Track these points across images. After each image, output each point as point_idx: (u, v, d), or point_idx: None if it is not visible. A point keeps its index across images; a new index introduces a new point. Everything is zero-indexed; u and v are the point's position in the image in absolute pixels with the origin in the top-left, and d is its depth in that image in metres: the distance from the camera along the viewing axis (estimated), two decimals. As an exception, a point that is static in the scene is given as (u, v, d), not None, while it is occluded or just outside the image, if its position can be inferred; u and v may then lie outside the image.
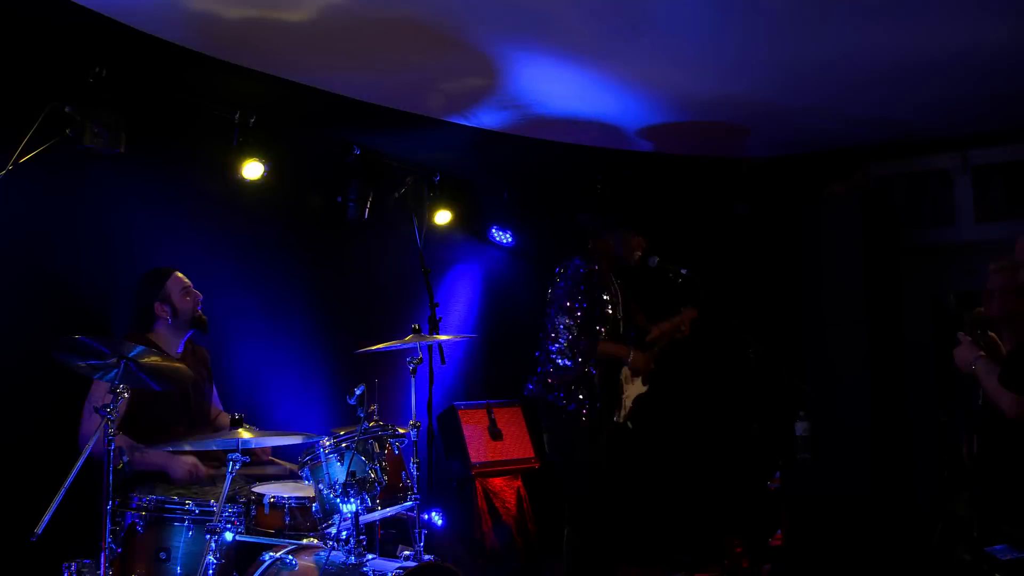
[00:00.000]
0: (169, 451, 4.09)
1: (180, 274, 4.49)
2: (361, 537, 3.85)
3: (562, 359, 5.11)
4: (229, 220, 5.39)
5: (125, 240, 4.84)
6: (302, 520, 4.02)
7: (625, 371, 5.28)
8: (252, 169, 5.17)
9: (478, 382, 6.98)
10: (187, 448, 4.10)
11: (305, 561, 3.96)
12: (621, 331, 5.35)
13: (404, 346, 4.55)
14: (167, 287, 4.42)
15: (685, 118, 5.88)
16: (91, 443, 3.45)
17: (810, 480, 5.76)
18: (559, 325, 5.14)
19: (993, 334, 4.35)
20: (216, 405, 4.73)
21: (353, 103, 5.29)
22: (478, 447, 6.39)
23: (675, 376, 5.81)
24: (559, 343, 5.13)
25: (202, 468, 4.19)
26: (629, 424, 5.31)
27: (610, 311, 5.26)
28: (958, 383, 4.48)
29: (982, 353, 4.07)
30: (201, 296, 4.51)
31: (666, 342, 5.42)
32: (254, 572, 3.95)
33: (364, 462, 3.99)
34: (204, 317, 4.51)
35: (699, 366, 6.70)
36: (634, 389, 5.34)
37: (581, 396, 5.10)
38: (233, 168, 5.15)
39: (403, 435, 4.24)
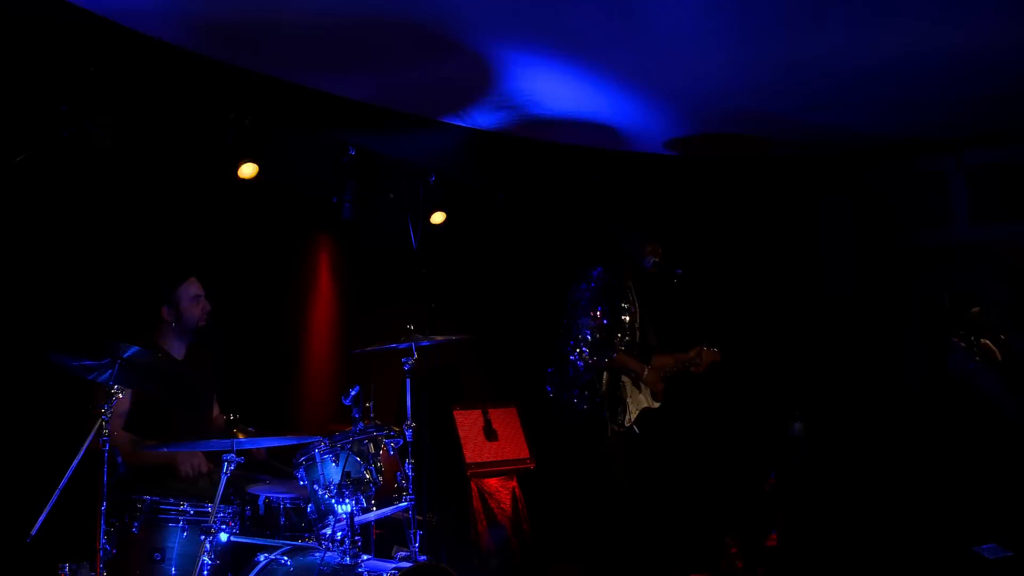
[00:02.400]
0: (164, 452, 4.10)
1: (195, 281, 4.50)
2: (356, 538, 3.86)
3: (580, 362, 5.18)
4: (224, 220, 5.38)
5: (121, 240, 4.84)
6: (297, 521, 4.03)
7: (627, 379, 5.31)
8: (247, 169, 5.17)
9: (473, 383, 6.97)
10: (183, 449, 4.10)
11: (300, 562, 3.95)
12: (638, 340, 5.40)
13: (400, 346, 4.56)
14: (178, 292, 4.44)
15: (680, 119, 5.88)
16: (87, 441, 3.45)
17: (805, 481, 5.77)
18: (583, 329, 5.21)
19: (986, 340, 4.36)
20: (215, 408, 4.73)
21: (348, 103, 5.30)
22: (473, 447, 6.38)
23: (681, 390, 5.82)
24: (580, 347, 5.20)
25: (205, 464, 4.20)
26: (636, 428, 5.34)
27: (627, 320, 5.32)
28: (954, 384, 4.50)
29: (977, 359, 4.07)
30: (210, 307, 4.52)
31: (675, 371, 5.46)
32: (249, 573, 3.95)
33: (359, 463, 4.00)
34: (208, 329, 4.52)
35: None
36: (642, 400, 5.37)
37: (595, 398, 5.17)
38: (229, 168, 5.14)
39: (398, 436, 4.24)
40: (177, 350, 4.50)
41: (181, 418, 4.35)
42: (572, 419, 5.27)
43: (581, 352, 5.20)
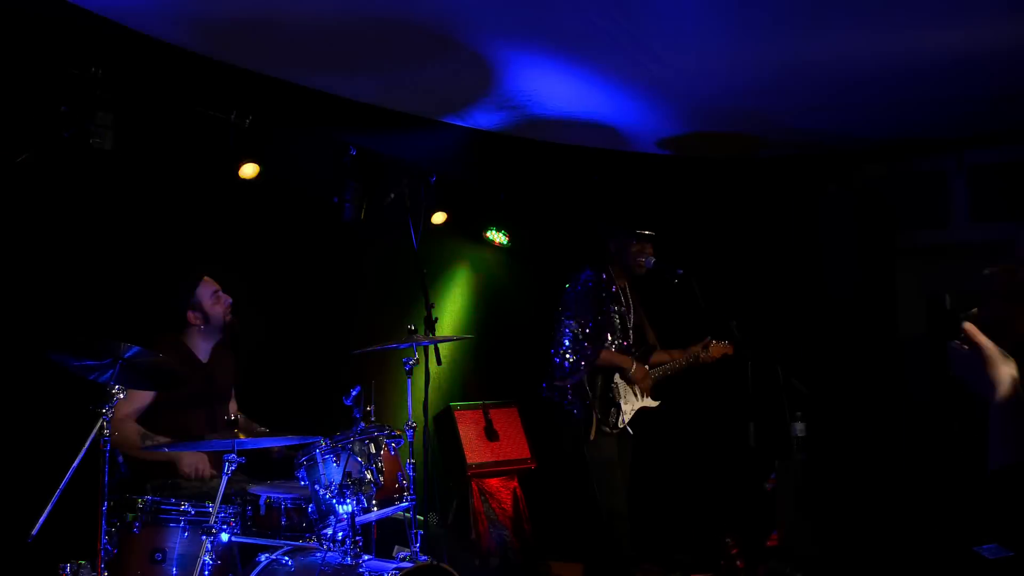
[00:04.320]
0: (165, 451, 4.11)
1: (209, 279, 4.59)
2: (357, 538, 3.86)
3: (567, 364, 5.20)
4: (225, 221, 5.38)
5: (120, 241, 4.84)
6: (298, 521, 4.03)
7: (620, 381, 5.31)
8: (248, 170, 5.17)
9: (474, 383, 6.98)
10: (184, 449, 4.11)
11: (301, 562, 3.96)
12: (633, 340, 5.41)
13: (400, 346, 4.56)
14: (198, 294, 4.53)
15: (681, 118, 5.88)
16: (88, 441, 3.46)
17: (806, 481, 5.77)
18: (566, 332, 5.23)
19: None
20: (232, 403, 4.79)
21: (349, 103, 5.30)
22: (474, 448, 6.38)
23: (679, 386, 5.83)
24: (564, 349, 5.22)
25: (207, 467, 4.22)
26: (629, 430, 5.34)
27: (618, 321, 5.33)
28: (954, 384, 4.49)
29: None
30: (230, 300, 4.58)
31: (682, 366, 5.47)
32: (250, 573, 3.95)
33: (360, 463, 4.00)
34: (235, 323, 4.60)
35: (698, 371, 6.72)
36: (638, 401, 5.36)
37: (585, 400, 5.18)
38: (229, 169, 5.14)
39: (399, 436, 4.24)
40: (203, 352, 4.58)
41: (196, 416, 4.39)
42: (565, 420, 5.28)
43: (564, 353, 5.23)
